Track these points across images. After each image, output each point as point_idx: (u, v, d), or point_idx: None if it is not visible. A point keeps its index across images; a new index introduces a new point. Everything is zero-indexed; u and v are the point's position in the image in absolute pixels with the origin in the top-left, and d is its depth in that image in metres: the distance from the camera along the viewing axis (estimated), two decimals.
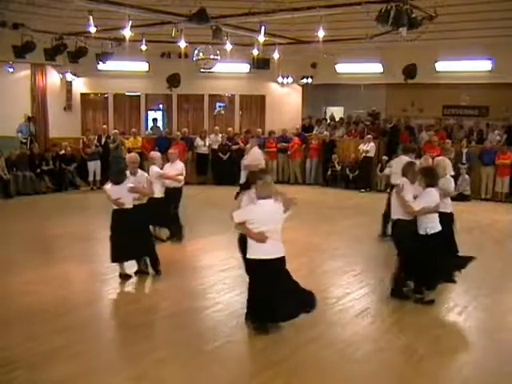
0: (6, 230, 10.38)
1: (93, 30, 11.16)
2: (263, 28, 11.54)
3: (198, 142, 16.50)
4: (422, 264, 6.45)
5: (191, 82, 16.47)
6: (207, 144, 16.47)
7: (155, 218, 8.53)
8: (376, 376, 4.95)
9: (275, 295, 5.50)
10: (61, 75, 16.28)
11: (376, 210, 10.27)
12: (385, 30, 10.87)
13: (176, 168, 9.52)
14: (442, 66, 15.11)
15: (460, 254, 7.33)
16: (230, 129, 16.94)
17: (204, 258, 8.95)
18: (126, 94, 17.52)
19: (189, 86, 16.58)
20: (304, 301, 5.70)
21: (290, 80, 17.26)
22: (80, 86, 16.74)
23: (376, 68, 16.19)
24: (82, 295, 6.97)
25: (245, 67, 16.91)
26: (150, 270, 7.67)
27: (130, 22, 11.25)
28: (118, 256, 7.42)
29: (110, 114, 17.20)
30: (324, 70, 16.75)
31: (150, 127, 17.77)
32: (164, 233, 9.36)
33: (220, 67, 14.54)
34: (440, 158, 8.50)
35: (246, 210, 5.64)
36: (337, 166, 16.24)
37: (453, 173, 8.41)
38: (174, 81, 16.24)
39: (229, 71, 16.69)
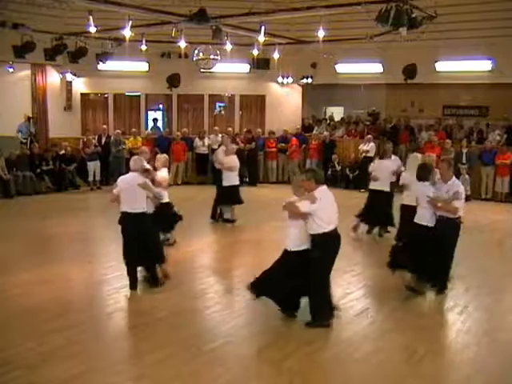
0: (5, 229, 10.38)
1: (93, 30, 11.15)
2: (263, 28, 11.53)
3: (197, 142, 16.52)
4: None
5: (191, 82, 16.47)
6: (206, 144, 16.47)
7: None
8: (376, 376, 4.95)
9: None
10: (61, 75, 16.28)
11: None
12: (385, 30, 10.88)
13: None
14: (441, 65, 15.12)
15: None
16: (229, 129, 16.93)
17: (204, 258, 8.95)
18: (126, 94, 17.52)
19: (189, 85, 16.57)
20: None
21: (290, 80, 17.26)
22: (80, 86, 16.74)
23: (376, 68, 16.19)
24: (81, 295, 6.97)
25: (245, 67, 16.91)
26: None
27: (130, 22, 11.25)
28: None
29: (110, 113, 17.20)
30: (324, 70, 16.75)
31: (150, 127, 17.77)
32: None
33: (220, 67, 14.53)
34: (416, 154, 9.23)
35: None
36: (337, 166, 16.24)
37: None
38: (174, 81, 16.23)
39: (229, 71, 16.69)
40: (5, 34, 13.20)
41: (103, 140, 15.83)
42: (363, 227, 10.09)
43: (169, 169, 10.46)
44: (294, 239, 5.88)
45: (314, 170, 6.38)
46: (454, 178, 6.88)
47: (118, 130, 16.09)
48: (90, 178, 15.27)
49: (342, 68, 16.68)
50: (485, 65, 14.62)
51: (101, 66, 15.55)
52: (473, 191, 14.13)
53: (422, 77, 14.64)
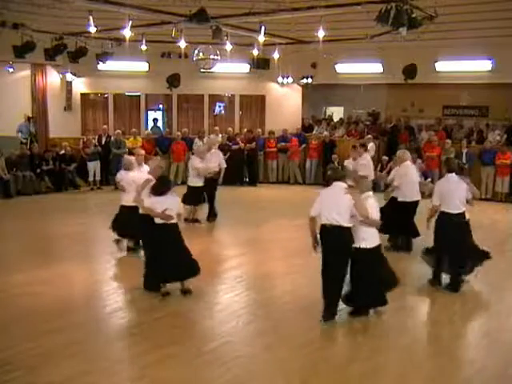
0: (5, 229, 10.39)
1: (93, 30, 11.15)
2: (263, 28, 11.52)
3: (197, 142, 16.49)
4: None
5: (191, 82, 16.46)
6: None
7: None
8: (376, 376, 4.95)
9: None
10: (61, 75, 16.26)
11: None
12: (385, 30, 10.87)
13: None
14: (441, 65, 15.11)
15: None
16: (229, 129, 16.94)
17: (203, 259, 8.92)
18: (126, 94, 17.51)
19: (189, 86, 16.56)
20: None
21: (290, 80, 17.24)
22: (80, 86, 16.73)
23: (376, 68, 16.18)
24: (81, 295, 6.97)
25: (245, 67, 16.90)
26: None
27: (130, 22, 11.24)
28: (165, 276, 6.78)
29: (110, 113, 17.19)
30: (324, 69, 16.74)
31: (150, 127, 17.77)
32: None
33: (220, 67, 14.52)
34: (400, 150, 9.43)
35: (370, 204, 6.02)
36: (337, 166, 16.21)
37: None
38: (174, 81, 16.22)
39: (229, 71, 16.68)
40: (5, 34, 13.17)
41: (103, 140, 15.83)
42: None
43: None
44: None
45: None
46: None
47: (118, 130, 16.07)
48: (90, 178, 15.27)
49: (341, 68, 16.67)
50: (485, 65, 14.61)
51: (101, 66, 15.53)
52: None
53: (422, 77, 14.62)
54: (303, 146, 16.81)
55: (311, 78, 16.97)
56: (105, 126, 16.39)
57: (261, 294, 7.07)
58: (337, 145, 16.56)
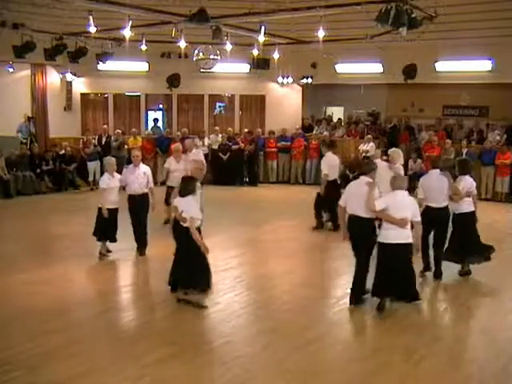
0: (5, 230, 10.38)
1: (93, 30, 11.14)
2: (263, 28, 11.52)
3: (197, 142, 16.49)
4: None
5: (191, 81, 16.46)
6: (206, 144, 16.47)
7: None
8: (376, 376, 4.95)
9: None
10: (61, 75, 16.27)
11: None
12: (385, 30, 10.87)
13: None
14: (441, 65, 15.10)
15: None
16: (230, 129, 16.93)
17: None
18: (126, 94, 17.52)
19: (189, 85, 16.56)
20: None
21: (290, 80, 17.24)
22: (80, 86, 16.74)
23: (376, 68, 16.18)
24: (81, 295, 6.96)
25: (245, 67, 16.90)
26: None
27: (130, 22, 11.24)
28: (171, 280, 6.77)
29: (110, 113, 17.20)
30: (324, 69, 16.73)
31: (150, 127, 17.77)
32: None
33: (220, 67, 14.51)
34: (393, 149, 9.40)
35: (386, 199, 6.22)
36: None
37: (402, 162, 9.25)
38: (173, 81, 16.23)
39: (229, 71, 16.68)
40: (5, 34, 13.18)
41: (103, 140, 15.83)
42: None
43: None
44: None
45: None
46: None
47: (119, 130, 16.08)
48: (90, 178, 15.26)
49: (341, 68, 16.67)
50: (485, 65, 14.61)
51: (101, 66, 15.54)
52: None
53: (422, 77, 14.62)
54: (304, 146, 16.79)
55: (311, 78, 16.96)
56: (105, 126, 16.40)
57: (261, 294, 7.08)
58: (337, 145, 16.55)
